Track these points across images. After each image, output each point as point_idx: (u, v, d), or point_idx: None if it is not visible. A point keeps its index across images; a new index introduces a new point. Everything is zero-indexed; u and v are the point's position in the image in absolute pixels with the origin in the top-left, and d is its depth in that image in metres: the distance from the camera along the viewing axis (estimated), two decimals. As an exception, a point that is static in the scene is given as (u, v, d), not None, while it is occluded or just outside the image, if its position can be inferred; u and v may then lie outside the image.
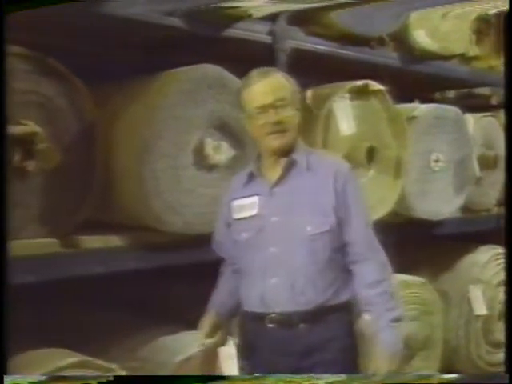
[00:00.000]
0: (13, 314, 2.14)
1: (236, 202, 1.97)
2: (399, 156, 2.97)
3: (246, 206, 1.95)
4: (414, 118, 3.14)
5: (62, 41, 2.29)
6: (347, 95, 2.73)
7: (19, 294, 1.91)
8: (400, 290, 3.14)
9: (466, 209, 3.56)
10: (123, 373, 2.01)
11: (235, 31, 2.44)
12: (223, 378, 1.83)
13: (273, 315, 1.90)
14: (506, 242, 1.72)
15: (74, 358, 1.92)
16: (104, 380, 1.81)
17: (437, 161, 3.26)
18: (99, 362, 1.96)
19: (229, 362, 2.30)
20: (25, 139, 1.90)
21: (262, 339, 1.93)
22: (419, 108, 3.22)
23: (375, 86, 2.82)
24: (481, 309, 3.49)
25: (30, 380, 1.81)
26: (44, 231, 1.98)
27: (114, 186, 2.13)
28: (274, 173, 1.93)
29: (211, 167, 2.27)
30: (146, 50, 2.44)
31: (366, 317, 1.94)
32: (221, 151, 2.27)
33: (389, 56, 3.12)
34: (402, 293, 3.18)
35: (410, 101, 3.43)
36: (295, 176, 1.92)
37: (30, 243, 1.94)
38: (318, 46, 2.74)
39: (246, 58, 2.41)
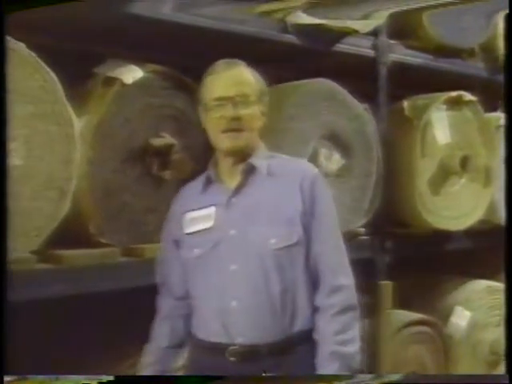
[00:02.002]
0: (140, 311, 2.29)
1: (189, 215, 1.74)
2: (488, 164, 3.05)
3: (201, 218, 1.72)
4: (500, 126, 3.22)
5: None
6: (443, 106, 2.83)
7: (148, 292, 2.05)
8: (485, 296, 3.25)
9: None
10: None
11: (342, 46, 2.55)
12: (223, 378, 1.67)
13: (234, 347, 1.63)
14: (505, 243, 1.76)
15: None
16: (104, 380, 1.75)
17: (521, 169, 3.33)
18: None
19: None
20: (162, 150, 2.05)
21: (222, 373, 1.67)
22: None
23: (468, 96, 2.91)
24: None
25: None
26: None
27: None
28: (233, 179, 1.72)
29: (323, 176, 2.38)
30: (260, 63, 2.56)
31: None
32: (332, 161, 2.38)
33: (477, 67, 3.20)
34: (487, 298, 3.26)
35: (494, 110, 3.49)
36: (255, 183, 1.71)
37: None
38: (414, 59, 2.85)
39: (351, 71, 2.53)
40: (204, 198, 1.75)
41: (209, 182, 1.77)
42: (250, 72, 1.74)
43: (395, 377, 2.42)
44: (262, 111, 1.73)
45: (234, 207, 1.70)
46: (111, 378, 1.76)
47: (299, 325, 1.66)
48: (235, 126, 1.67)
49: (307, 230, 1.68)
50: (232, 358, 1.63)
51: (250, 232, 1.66)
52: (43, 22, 1.93)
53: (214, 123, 1.70)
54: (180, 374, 1.86)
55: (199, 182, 1.80)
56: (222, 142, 1.69)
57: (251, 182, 1.71)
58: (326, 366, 1.63)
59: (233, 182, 1.72)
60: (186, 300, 1.77)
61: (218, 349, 1.65)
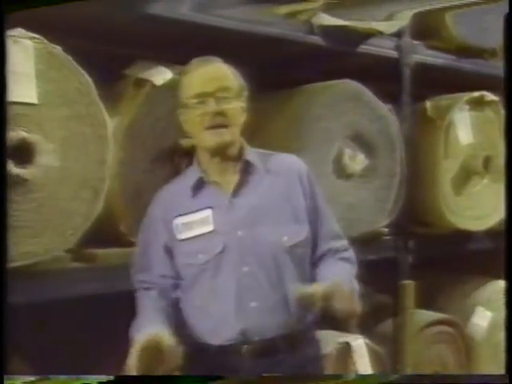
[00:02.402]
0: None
1: (180, 220, 1.65)
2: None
3: (196, 222, 1.64)
4: (523, 126, 3.22)
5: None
6: (466, 106, 2.84)
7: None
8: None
9: None
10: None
11: (366, 47, 2.57)
12: (223, 378, 1.63)
13: (250, 345, 1.60)
14: (505, 242, 1.77)
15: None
16: (104, 380, 1.70)
17: (542, 169, 3.32)
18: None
19: (363, 359, 2.44)
20: (191, 150, 2.06)
21: (235, 373, 1.62)
22: (527, 117, 3.30)
23: (490, 96, 2.92)
24: None
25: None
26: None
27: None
28: (227, 179, 1.66)
29: (348, 176, 2.40)
30: (285, 64, 2.59)
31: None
32: (357, 161, 2.40)
33: (500, 67, 3.19)
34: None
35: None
36: (255, 181, 1.66)
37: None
38: (437, 59, 2.86)
39: (374, 72, 2.54)
40: (196, 201, 1.66)
41: (200, 184, 1.67)
42: (227, 67, 1.66)
43: (394, 376, 2.45)
44: (242, 107, 1.66)
45: (237, 207, 1.64)
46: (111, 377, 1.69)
47: (311, 315, 1.66)
48: (219, 121, 1.59)
49: (312, 225, 1.69)
50: (248, 356, 1.59)
51: (260, 231, 1.62)
52: (70, 23, 1.97)
53: (196, 121, 1.61)
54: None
55: (184, 184, 1.70)
56: (207, 139, 1.61)
57: (250, 180, 1.66)
58: (333, 266, 1.66)
59: (229, 182, 1.66)
60: (177, 304, 1.69)
61: (231, 350, 1.61)
